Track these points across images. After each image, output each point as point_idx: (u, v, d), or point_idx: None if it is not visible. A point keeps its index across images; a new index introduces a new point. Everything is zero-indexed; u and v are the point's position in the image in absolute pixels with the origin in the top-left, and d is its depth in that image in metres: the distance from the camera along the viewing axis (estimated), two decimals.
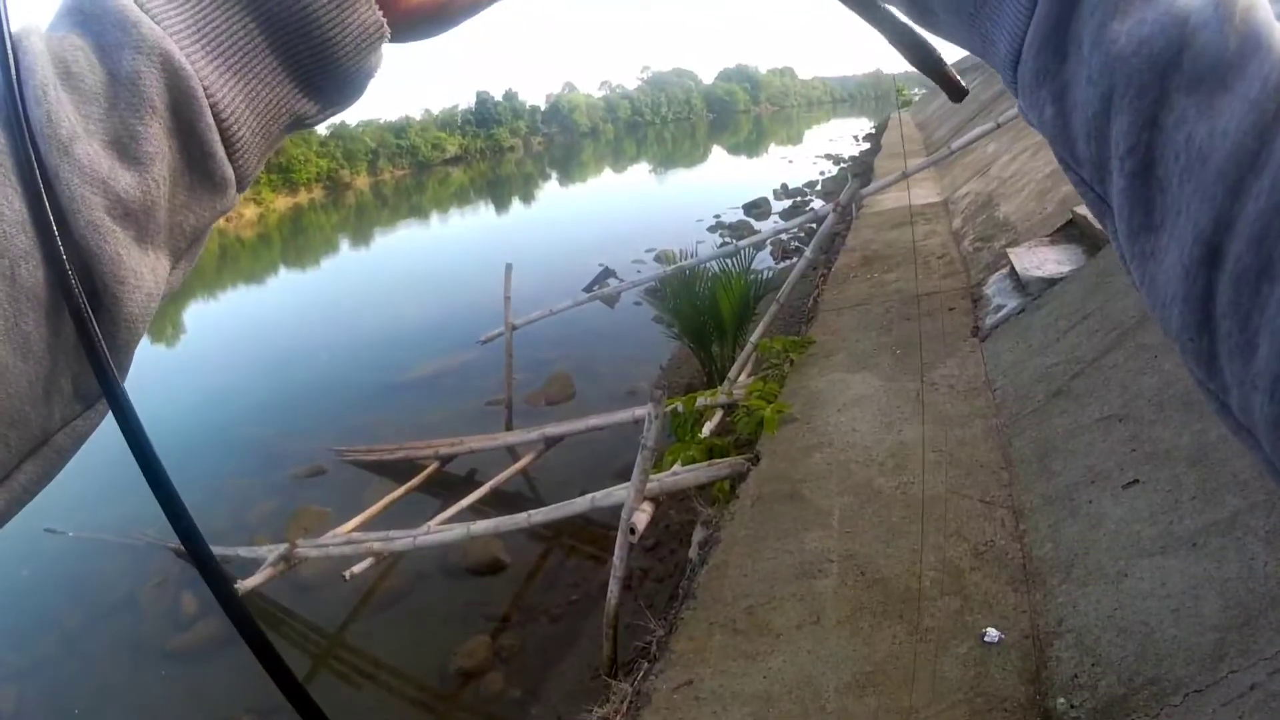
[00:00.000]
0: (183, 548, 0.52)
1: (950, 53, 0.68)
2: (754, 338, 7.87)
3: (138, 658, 7.59)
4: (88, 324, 0.49)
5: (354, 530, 7.75)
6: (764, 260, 14.96)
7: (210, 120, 0.54)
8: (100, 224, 0.50)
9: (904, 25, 0.69)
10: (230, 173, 0.57)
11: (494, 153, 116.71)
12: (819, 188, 29.68)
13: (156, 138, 0.52)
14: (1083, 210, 7.64)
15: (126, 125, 0.51)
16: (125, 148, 0.51)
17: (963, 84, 0.72)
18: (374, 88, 0.66)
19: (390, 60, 0.63)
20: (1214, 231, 0.40)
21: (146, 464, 0.51)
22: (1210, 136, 0.41)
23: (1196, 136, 0.42)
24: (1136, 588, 3.34)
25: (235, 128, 0.56)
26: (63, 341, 0.51)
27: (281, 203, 78.03)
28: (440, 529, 6.90)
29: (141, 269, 0.53)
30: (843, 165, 36.40)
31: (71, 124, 0.49)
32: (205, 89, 0.54)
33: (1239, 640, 2.79)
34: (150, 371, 16.90)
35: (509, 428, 10.33)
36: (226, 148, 0.56)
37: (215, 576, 0.51)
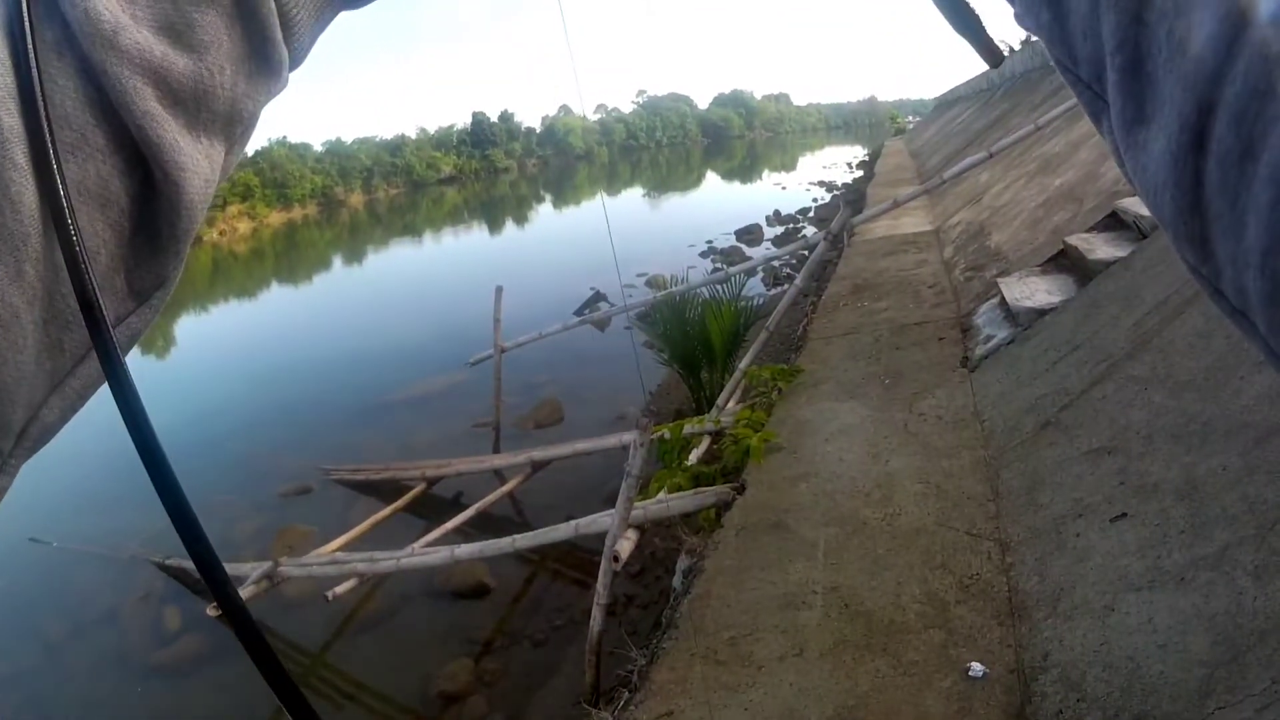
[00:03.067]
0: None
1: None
2: (743, 365, 7.87)
3: (118, 672, 7.54)
4: (80, 258, 0.47)
5: (338, 550, 7.73)
6: (755, 287, 14.99)
7: (272, 5, 0.54)
8: (155, 113, 0.50)
9: None
10: (286, 55, 0.57)
11: (489, 174, 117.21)
12: (811, 214, 29.78)
13: (214, 26, 0.52)
14: (1074, 241, 7.65)
15: (181, 12, 0.51)
16: (179, 34, 0.51)
17: (1000, 49, 0.72)
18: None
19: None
20: (1198, 117, 0.41)
21: (143, 443, 0.48)
22: (1189, 28, 0.42)
23: (1176, 30, 0.43)
24: (1123, 622, 3.31)
25: (293, 10, 0.56)
26: (117, 237, 0.52)
27: (276, 218, 78.33)
28: (425, 551, 6.87)
29: (198, 155, 0.53)
30: (836, 192, 36.53)
31: (114, 15, 0.48)
32: None
33: (1226, 676, 2.76)
34: (137, 384, 16.89)
35: (496, 451, 10.34)
36: (283, 30, 0.56)
37: (212, 573, 0.49)
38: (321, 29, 0.61)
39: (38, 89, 0.46)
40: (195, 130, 0.53)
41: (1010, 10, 0.58)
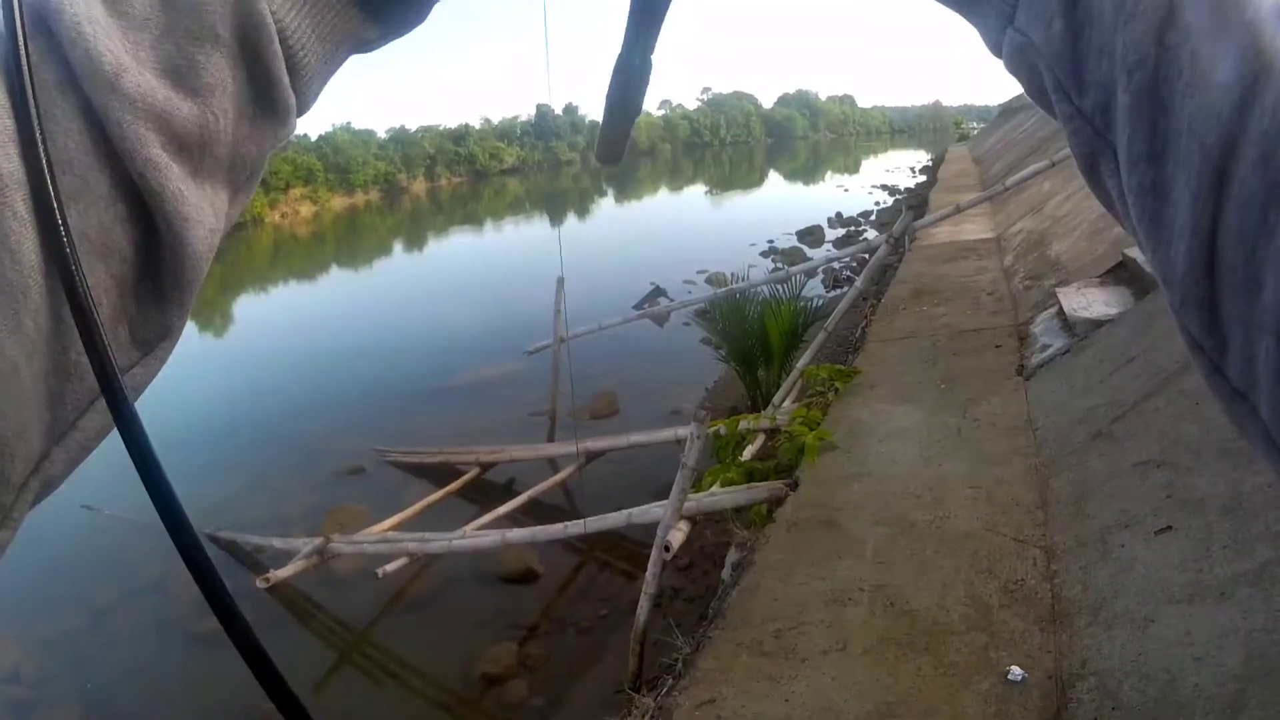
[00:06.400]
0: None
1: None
2: (800, 364, 7.91)
3: (162, 639, 7.73)
4: (85, 302, 0.45)
5: (390, 530, 7.84)
6: (815, 288, 14.94)
7: (277, 48, 0.52)
8: (158, 160, 0.48)
9: None
10: (293, 101, 0.56)
11: (551, 166, 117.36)
12: (873, 218, 29.63)
13: (218, 68, 0.50)
14: (1133, 253, 7.59)
15: (185, 54, 0.49)
16: (183, 77, 0.49)
17: None
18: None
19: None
20: (1221, 153, 0.37)
21: (135, 448, 0.49)
22: (1215, 53, 0.38)
23: (1202, 53, 0.39)
24: (1162, 634, 3.34)
25: (300, 54, 0.55)
26: (119, 288, 0.50)
27: (338, 203, 79.00)
28: (477, 534, 6.96)
29: (203, 204, 0.51)
30: (898, 197, 36.27)
31: (117, 57, 0.46)
32: (273, 13, 0.52)
33: (1260, 692, 2.79)
34: (197, 360, 17.10)
35: (551, 439, 10.42)
36: (290, 75, 0.54)
37: (200, 567, 0.50)
38: (330, 74, 0.59)
39: (38, 133, 0.44)
40: (199, 178, 0.51)
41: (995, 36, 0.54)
